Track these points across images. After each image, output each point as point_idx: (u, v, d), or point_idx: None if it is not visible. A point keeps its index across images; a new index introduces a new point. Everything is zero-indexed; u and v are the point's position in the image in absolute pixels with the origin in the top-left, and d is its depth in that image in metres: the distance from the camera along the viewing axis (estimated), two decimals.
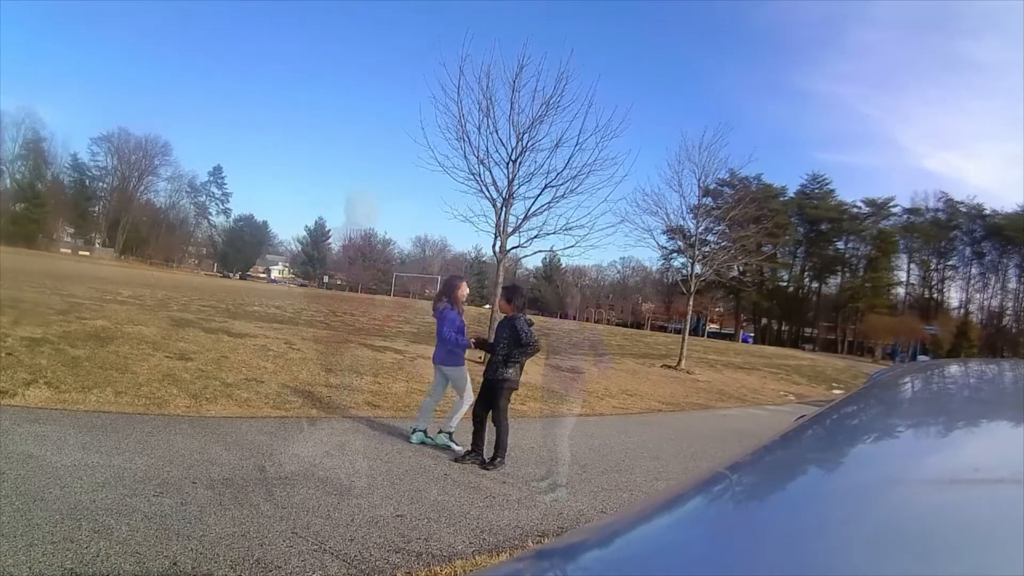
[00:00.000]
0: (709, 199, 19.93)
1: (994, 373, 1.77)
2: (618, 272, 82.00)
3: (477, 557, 3.22)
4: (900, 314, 65.29)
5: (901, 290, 73.92)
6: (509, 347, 4.92)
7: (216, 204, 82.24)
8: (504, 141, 11.50)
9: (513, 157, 11.44)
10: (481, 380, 5.18)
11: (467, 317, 5.65)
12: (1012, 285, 68.73)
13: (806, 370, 25.47)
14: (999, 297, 69.53)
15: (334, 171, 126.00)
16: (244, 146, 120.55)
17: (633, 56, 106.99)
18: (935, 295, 72.33)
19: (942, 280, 72.68)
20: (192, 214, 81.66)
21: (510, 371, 4.95)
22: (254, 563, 2.78)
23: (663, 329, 66.97)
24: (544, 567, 0.54)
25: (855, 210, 72.42)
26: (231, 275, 74.51)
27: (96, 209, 74.47)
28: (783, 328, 77.22)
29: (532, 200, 11.70)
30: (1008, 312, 68.30)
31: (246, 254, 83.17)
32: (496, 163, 11.57)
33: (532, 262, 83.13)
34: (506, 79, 11.43)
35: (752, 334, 71.61)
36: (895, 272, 72.92)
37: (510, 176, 11.52)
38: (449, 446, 5.18)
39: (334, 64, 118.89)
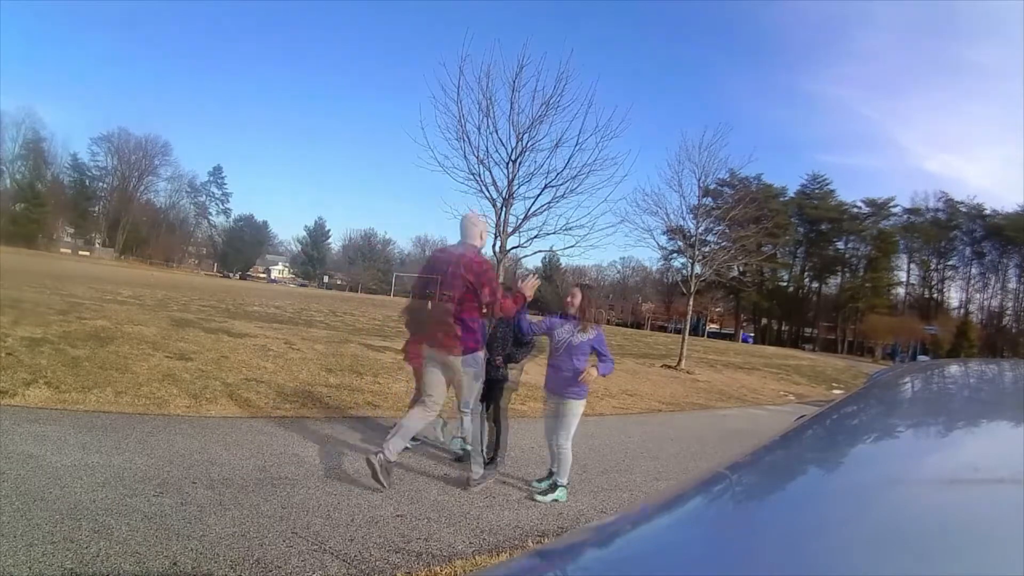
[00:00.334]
0: (709, 199, 19.91)
1: (994, 373, 1.77)
2: (618, 272, 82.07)
3: (477, 557, 3.22)
4: (900, 314, 65.32)
5: (901, 290, 74.02)
6: (509, 346, 4.91)
7: (216, 204, 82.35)
8: (504, 141, 11.49)
9: (513, 157, 11.45)
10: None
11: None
12: (1012, 285, 68.79)
13: (806, 370, 25.47)
14: (999, 297, 69.61)
15: (334, 171, 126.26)
16: (244, 146, 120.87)
17: (633, 57, 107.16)
18: (935, 295, 72.38)
19: (942, 280, 72.75)
20: (192, 214, 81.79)
21: (510, 370, 4.94)
22: (254, 563, 2.78)
23: (663, 329, 66.99)
24: (544, 567, 0.54)
25: (855, 210, 72.50)
26: (231, 275, 74.54)
27: (96, 209, 74.52)
28: (783, 328, 77.23)
29: (532, 200, 11.69)
30: (1008, 312, 68.32)
31: (246, 254, 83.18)
32: (496, 163, 11.56)
33: (532, 262, 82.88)
34: (506, 79, 11.43)
35: (752, 334, 71.63)
36: (895, 272, 73.01)
37: (510, 176, 11.52)
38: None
39: (334, 64, 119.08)
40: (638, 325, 72.34)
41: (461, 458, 4.97)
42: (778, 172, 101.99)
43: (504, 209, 11.49)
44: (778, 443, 0.87)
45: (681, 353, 17.73)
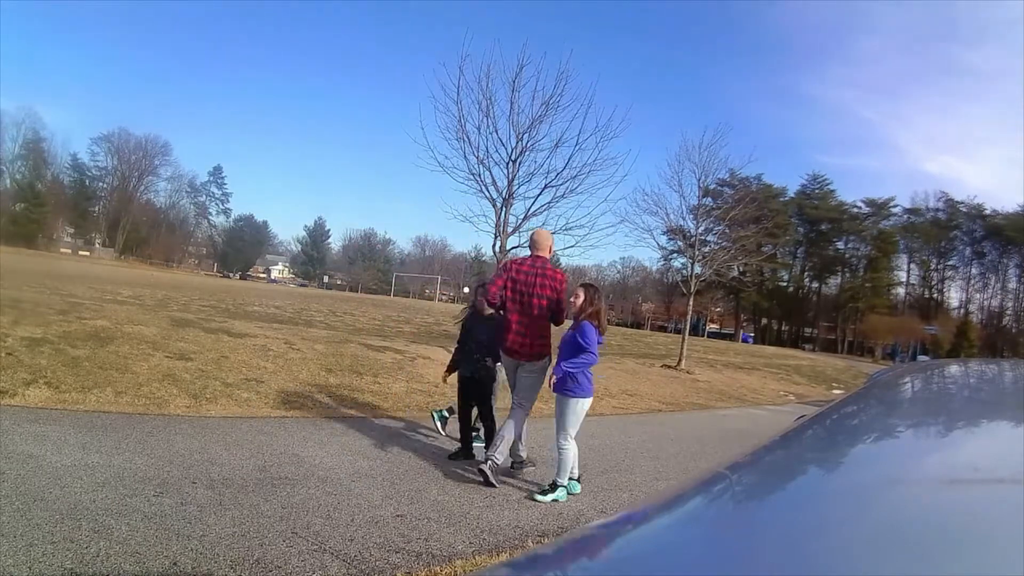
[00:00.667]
0: (709, 199, 19.88)
1: (994, 373, 1.77)
2: (618, 272, 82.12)
3: (477, 557, 3.21)
4: (900, 314, 65.30)
5: (901, 290, 73.98)
6: (492, 342, 4.91)
7: (216, 204, 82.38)
8: (504, 141, 11.48)
9: (513, 157, 11.44)
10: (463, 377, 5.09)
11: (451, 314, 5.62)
12: (1012, 285, 68.76)
13: (806, 370, 25.47)
14: (999, 297, 69.58)
15: (334, 171, 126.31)
16: (244, 146, 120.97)
17: (634, 57, 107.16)
18: (935, 295, 72.35)
19: (942, 280, 72.71)
20: (192, 214, 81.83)
21: (494, 365, 4.94)
22: (254, 563, 2.78)
23: (663, 329, 67.01)
24: (544, 567, 0.54)
25: (855, 210, 72.47)
26: (231, 275, 74.57)
27: (96, 209, 74.54)
28: (783, 328, 77.22)
29: (532, 200, 11.68)
30: (1008, 312, 68.30)
31: (246, 254, 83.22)
32: (496, 163, 11.55)
33: None
34: (506, 79, 11.41)
35: (752, 334, 71.61)
36: (895, 272, 72.96)
37: (510, 176, 11.51)
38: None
39: (334, 64, 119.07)
40: (638, 325, 72.37)
41: (456, 455, 4.98)
42: (778, 172, 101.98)
43: (504, 209, 11.48)
44: (778, 443, 0.87)
45: (681, 353, 17.73)
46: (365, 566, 2.92)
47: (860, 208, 72.40)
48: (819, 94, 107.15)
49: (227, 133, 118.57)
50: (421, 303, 56.86)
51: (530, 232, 11.84)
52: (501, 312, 4.72)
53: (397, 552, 3.12)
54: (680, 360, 17.47)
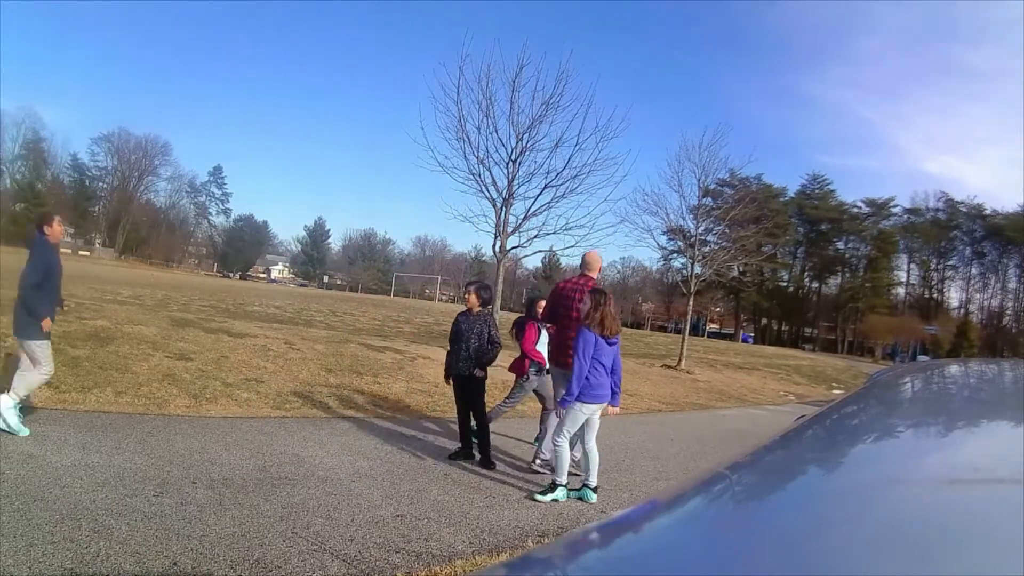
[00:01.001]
0: (709, 199, 19.89)
1: (994, 373, 1.77)
2: (618, 272, 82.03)
3: (477, 557, 3.22)
4: (900, 314, 65.24)
5: (901, 290, 73.90)
6: (481, 343, 4.91)
7: (216, 204, 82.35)
8: (504, 141, 11.50)
9: (513, 157, 11.45)
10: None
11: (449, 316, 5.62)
12: (1012, 285, 68.70)
13: (806, 370, 25.47)
14: (999, 297, 69.52)
15: (334, 171, 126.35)
16: (244, 146, 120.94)
17: (634, 57, 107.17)
18: (935, 295, 72.30)
19: (942, 280, 72.66)
20: (192, 214, 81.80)
21: (484, 366, 4.94)
22: (254, 563, 2.78)
23: (663, 329, 66.99)
24: (544, 567, 0.54)
25: (855, 210, 72.39)
26: (231, 275, 74.55)
27: (96, 209, 74.51)
28: (783, 328, 77.18)
29: (532, 200, 11.71)
30: (1008, 312, 68.27)
31: (246, 254, 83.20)
32: (496, 163, 11.58)
33: (532, 262, 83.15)
34: (506, 79, 11.44)
35: (752, 334, 71.57)
36: (895, 272, 72.87)
37: (510, 176, 11.52)
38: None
39: (334, 64, 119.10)
40: (638, 325, 72.31)
41: (456, 455, 4.97)
42: (778, 172, 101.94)
43: (504, 209, 11.49)
44: (778, 443, 0.87)
45: (681, 353, 17.73)
46: (365, 566, 2.92)
47: (860, 208, 72.39)
48: (819, 94, 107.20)
49: (227, 133, 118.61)
50: (421, 303, 56.87)
51: (529, 232, 11.92)
52: (488, 310, 5.01)
53: (397, 552, 3.12)
54: (680, 360, 17.47)
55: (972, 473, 0.65)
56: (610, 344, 4.28)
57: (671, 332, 57.31)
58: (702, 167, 17.26)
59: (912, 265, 73.74)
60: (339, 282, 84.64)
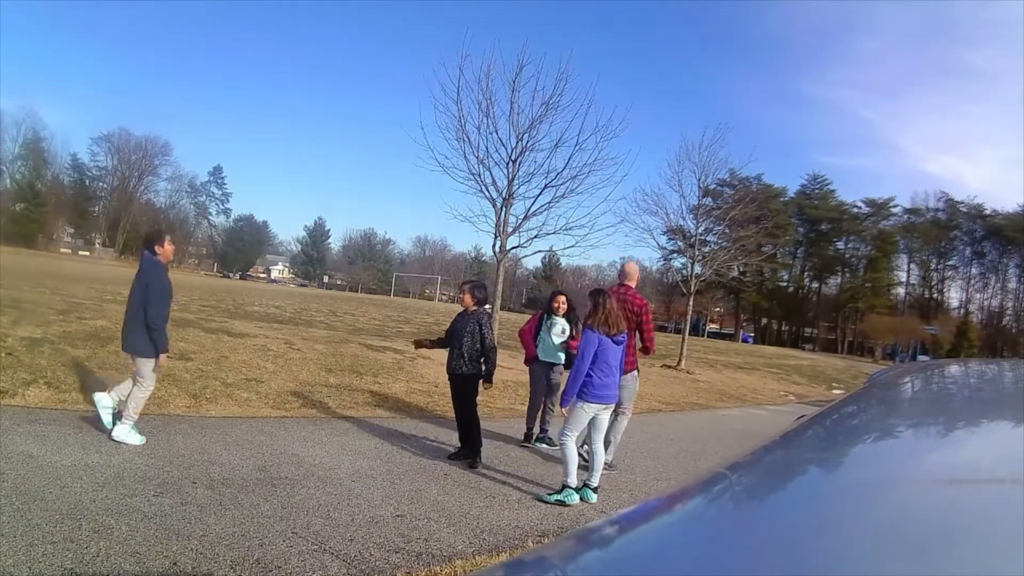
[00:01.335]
0: (709, 199, 19.89)
1: (994, 373, 1.77)
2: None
3: (477, 557, 3.22)
4: (900, 314, 65.23)
5: (901, 290, 73.90)
6: (473, 342, 4.91)
7: (216, 204, 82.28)
8: (504, 141, 11.48)
9: (513, 157, 11.43)
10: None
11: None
12: (1012, 285, 68.70)
13: (806, 370, 25.47)
14: (999, 297, 69.53)
15: (334, 171, 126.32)
16: (244, 146, 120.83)
17: (634, 57, 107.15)
18: (935, 295, 72.31)
19: (942, 280, 72.66)
20: (192, 214, 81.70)
21: (475, 365, 4.93)
22: (254, 563, 2.78)
23: (663, 329, 66.93)
24: (544, 567, 0.54)
25: (855, 210, 72.39)
26: (231, 275, 74.52)
27: (96, 209, 74.47)
28: (783, 328, 77.18)
29: (532, 200, 11.68)
30: (1008, 312, 68.27)
31: (246, 254, 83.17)
32: (496, 163, 11.55)
33: (532, 262, 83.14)
34: (506, 79, 11.41)
35: (752, 334, 71.57)
36: (895, 272, 72.87)
37: (510, 176, 11.50)
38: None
39: (334, 64, 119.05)
40: None
41: (456, 455, 4.97)
42: (778, 172, 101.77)
43: (504, 209, 11.48)
44: (778, 443, 0.87)
45: (681, 353, 17.72)
46: (365, 566, 2.92)
47: (860, 208, 72.39)
48: (819, 94, 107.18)
49: (227, 133, 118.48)
50: (421, 303, 56.88)
51: (529, 232, 11.91)
52: (483, 309, 5.12)
53: (397, 552, 3.12)
54: (680, 360, 17.47)
55: (972, 473, 0.65)
56: (617, 343, 4.28)
57: (671, 332, 57.29)
58: (702, 167, 17.27)
59: (912, 265, 73.77)
60: (339, 282, 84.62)
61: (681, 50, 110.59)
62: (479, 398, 5.20)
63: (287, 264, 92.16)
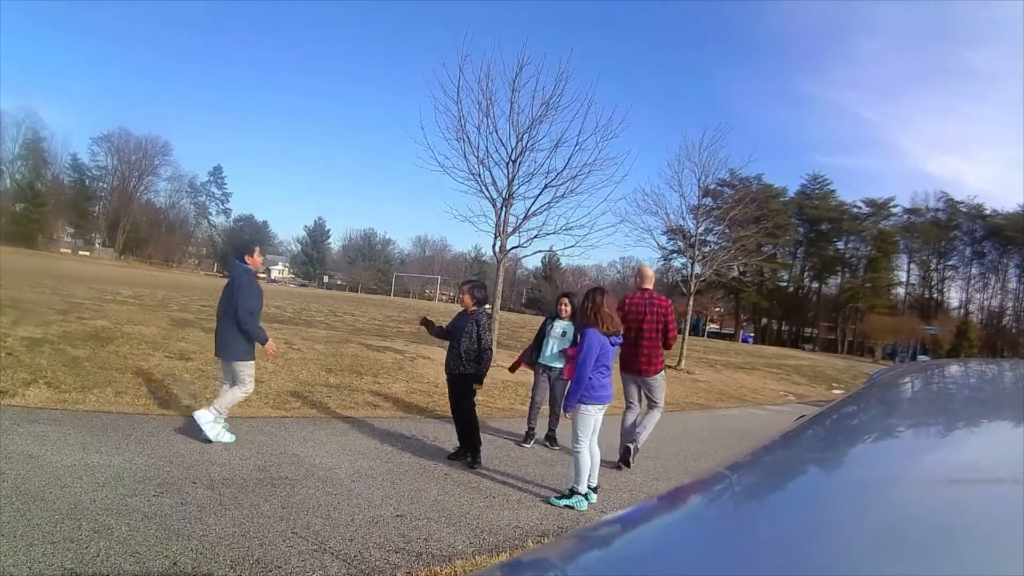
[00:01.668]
0: (709, 199, 19.89)
1: (994, 373, 1.77)
2: (618, 272, 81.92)
3: (477, 557, 3.22)
4: (900, 314, 65.22)
5: (901, 290, 73.88)
6: (471, 342, 4.90)
7: (216, 204, 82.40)
8: (504, 141, 11.47)
9: (513, 157, 11.43)
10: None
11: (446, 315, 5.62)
12: (1012, 285, 68.68)
13: (806, 370, 25.47)
14: (999, 297, 69.51)
15: (334, 171, 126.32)
16: (244, 146, 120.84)
17: (634, 57, 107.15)
18: (935, 295, 72.30)
19: (942, 280, 72.65)
20: (192, 214, 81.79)
21: (473, 366, 4.93)
22: (254, 563, 2.78)
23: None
24: (544, 567, 0.54)
25: (855, 210, 72.37)
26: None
27: (96, 209, 74.47)
28: (783, 328, 77.15)
29: (532, 200, 11.68)
30: (1008, 312, 68.26)
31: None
32: (496, 163, 11.55)
33: (532, 262, 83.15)
34: (506, 79, 11.41)
35: (752, 334, 71.54)
36: (895, 272, 72.85)
37: (510, 176, 11.50)
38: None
39: (334, 64, 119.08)
40: None
41: (455, 455, 4.97)
42: (778, 172, 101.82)
43: (504, 209, 11.47)
44: (778, 443, 0.87)
45: (681, 353, 17.72)
46: (365, 566, 2.92)
47: (860, 208, 72.36)
48: (819, 94, 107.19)
49: (227, 133, 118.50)
50: (421, 303, 56.86)
51: (529, 232, 11.91)
52: (482, 309, 5.15)
53: (397, 552, 3.12)
54: (680, 360, 17.46)
55: (972, 473, 0.65)
56: (613, 344, 4.28)
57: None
58: (702, 167, 17.26)
59: (912, 265, 73.75)
60: (339, 282, 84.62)
61: (681, 50, 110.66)
62: (478, 398, 5.20)
63: (287, 264, 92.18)
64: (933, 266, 72.70)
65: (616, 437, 5.58)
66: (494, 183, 11.51)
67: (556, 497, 4.27)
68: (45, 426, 4.33)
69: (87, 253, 68.22)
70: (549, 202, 11.68)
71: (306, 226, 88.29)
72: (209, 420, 4.46)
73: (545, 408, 5.97)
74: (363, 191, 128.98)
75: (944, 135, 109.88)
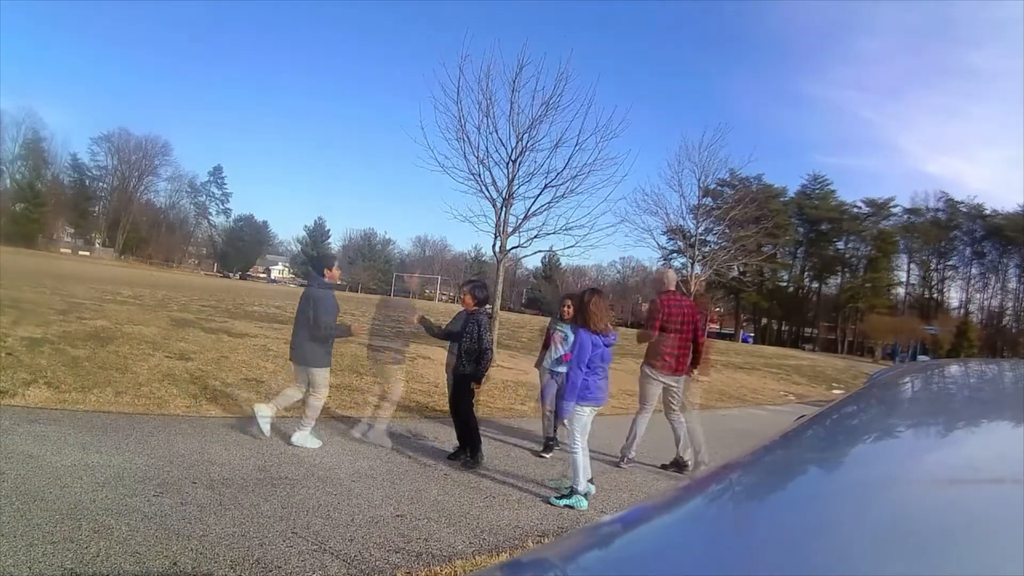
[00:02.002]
0: (709, 199, 19.86)
1: (994, 373, 1.77)
2: (618, 272, 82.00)
3: (477, 557, 3.22)
4: (900, 314, 65.24)
5: (901, 290, 73.93)
6: (471, 342, 4.91)
7: (216, 204, 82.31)
8: (504, 141, 11.48)
9: (513, 157, 11.43)
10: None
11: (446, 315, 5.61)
12: (1012, 285, 68.74)
13: (806, 370, 25.47)
14: (999, 297, 69.56)
15: (334, 171, 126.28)
16: (244, 146, 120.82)
17: (634, 57, 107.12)
18: (935, 295, 72.33)
19: (942, 280, 72.70)
20: (192, 214, 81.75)
21: (472, 366, 4.93)
22: (254, 563, 2.78)
23: (663, 329, 66.86)
24: (544, 567, 0.54)
25: (855, 210, 72.40)
26: (231, 275, 74.50)
27: (96, 209, 74.47)
28: (783, 328, 77.17)
29: (532, 200, 11.69)
30: (1008, 312, 68.28)
31: (246, 254, 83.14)
32: (496, 163, 11.55)
33: (532, 262, 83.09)
34: (506, 79, 11.41)
35: (752, 334, 71.53)
36: (895, 272, 72.90)
37: (510, 176, 11.50)
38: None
39: (334, 64, 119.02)
40: (638, 325, 72.20)
41: (455, 455, 4.97)
42: (778, 172, 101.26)
43: (504, 209, 11.48)
44: (778, 443, 0.87)
45: None
46: (365, 566, 2.92)
47: (860, 208, 72.39)
48: (819, 94, 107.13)
49: (227, 133, 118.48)
50: (421, 303, 56.78)
51: (529, 232, 11.92)
52: (483, 309, 5.16)
53: (397, 552, 3.12)
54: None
55: (972, 473, 0.65)
56: (606, 345, 4.29)
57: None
58: (702, 167, 17.25)
59: (912, 265, 73.79)
60: (339, 282, 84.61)
61: (681, 50, 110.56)
62: (478, 398, 5.20)
63: (287, 264, 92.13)
64: (933, 266, 72.74)
65: (620, 439, 5.59)
66: (494, 183, 11.52)
67: (556, 497, 4.27)
68: (45, 426, 4.33)
69: (87, 253, 68.21)
70: (549, 202, 11.69)
71: (306, 226, 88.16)
72: (306, 434, 4.78)
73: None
74: (363, 191, 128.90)
75: (944, 135, 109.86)
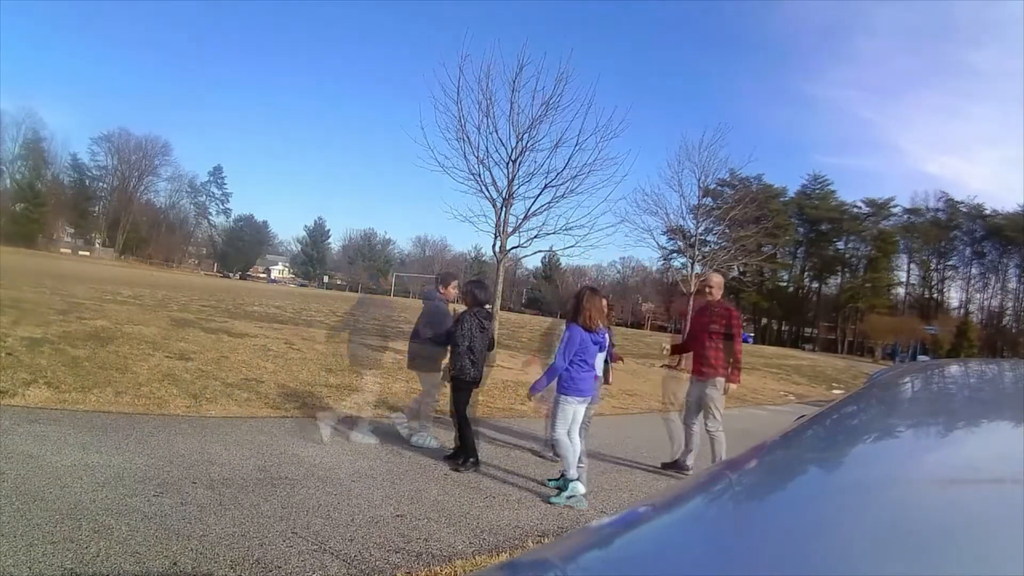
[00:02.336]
0: (709, 199, 19.91)
1: (994, 373, 1.77)
2: (618, 272, 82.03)
3: (477, 557, 3.21)
4: (900, 314, 65.24)
5: (901, 290, 73.94)
6: (472, 343, 4.91)
7: (216, 204, 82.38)
8: (504, 141, 11.50)
9: (513, 157, 11.45)
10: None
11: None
12: (1012, 285, 68.75)
13: (806, 370, 25.47)
14: (999, 297, 69.58)
15: (334, 171, 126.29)
16: (244, 146, 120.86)
17: (634, 57, 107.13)
18: (935, 295, 72.34)
19: (942, 280, 72.71)
20: (192, 214, 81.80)
21: (472, 366, 4.93)
22: (254, 563, 2.78)
23: (663, 329, 66.91)
24: (544, 567, 0.54)
25: (855, 210, 72.41)
26: (231, 275, 74.51)
27: (96, 209, 74.50)
28: (783, 328, 77.19)
29: (532, 200, 11.71)
30: (1008, 312, 68.29)
31: (246, 254, 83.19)
32: (496, 163, 11.58)
33: (532, 262, 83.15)
34: (506, 79, 11.44)
35: (752, 334, 71.39)
36: (895, 272, 72.92)
37: (510, 176, 11.52)
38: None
39: (334, 64, 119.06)
40: (638, 325, 72.24)
41: (454, 456, 4.97)
42: (778, 172, 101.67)
43: (504, 209, 11.49)
44: (778, 443, 0.87)
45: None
46: (365, 566, 2.92)
47: (860, 208, 72.40)
48: (819, 94, 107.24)
49: (227, 133, 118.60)
50: (420, 303, 56.74)
51: (529, 232, 11.93)
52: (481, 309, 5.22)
53: (397, 552, 3.12)
54: (680, 360, 17.45)
55: (972, 473, 0.65)
56: (595, 343, 4.31)
57: (671, 332, 57.27)
58: (702, 167, 17.29)
59: (912, 265, 73.80)
60: (339, 282, 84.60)
61: (681, 50, 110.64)
62: (479, 398, 5.20)
63: (287, 264, 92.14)
64: (933, 266, 72.75)
65: (620, 439, 5.58)
66: (494, 183, 11.54)
67: (555, 496, 4.28)
68: (45, 426, 4.33)
69: (87, 253, 68.23)
70: (549, 202, 11.71)
71: (306, 226, 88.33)
72: (425, 436, 5.26)
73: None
74: (363, 191, 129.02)
75: (944, 135, 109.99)
